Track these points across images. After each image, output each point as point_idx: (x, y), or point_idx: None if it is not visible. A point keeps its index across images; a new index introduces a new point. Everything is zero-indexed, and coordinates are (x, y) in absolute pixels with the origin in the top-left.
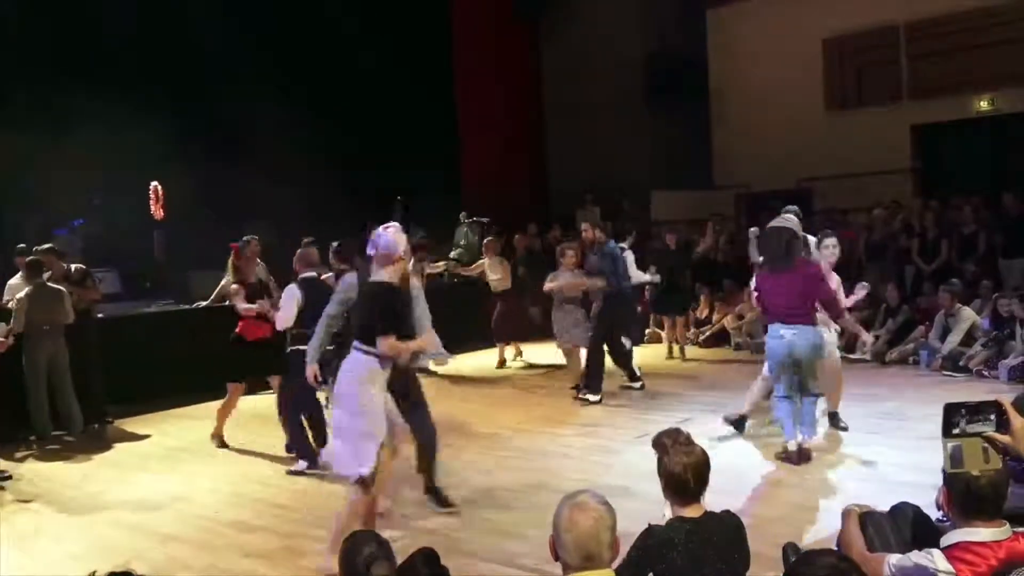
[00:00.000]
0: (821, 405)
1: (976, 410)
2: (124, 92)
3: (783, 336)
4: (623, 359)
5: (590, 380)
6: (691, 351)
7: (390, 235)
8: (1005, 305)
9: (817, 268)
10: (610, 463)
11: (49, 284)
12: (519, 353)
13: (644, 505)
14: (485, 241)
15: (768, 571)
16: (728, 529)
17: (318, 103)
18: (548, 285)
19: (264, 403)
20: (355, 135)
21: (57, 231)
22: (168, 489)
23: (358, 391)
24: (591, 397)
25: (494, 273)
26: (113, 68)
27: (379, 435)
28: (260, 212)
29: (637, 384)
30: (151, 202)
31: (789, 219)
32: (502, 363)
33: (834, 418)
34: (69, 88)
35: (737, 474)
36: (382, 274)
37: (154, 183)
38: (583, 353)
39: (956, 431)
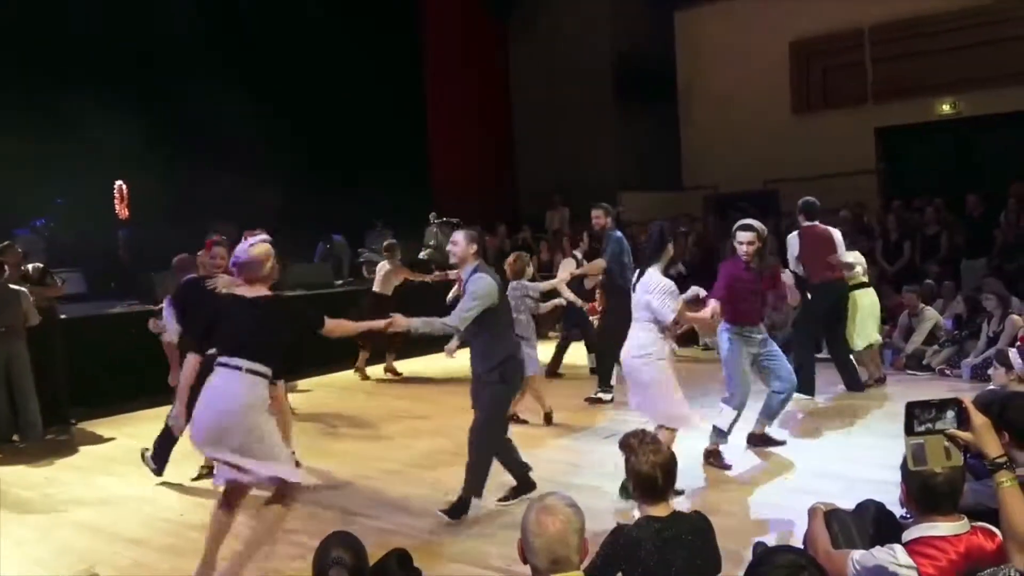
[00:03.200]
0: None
1: (938, 408)
2: (89, 90)
3: None
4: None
5: (604, 378)
6: None
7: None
8: (956, 307)
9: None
10: (579, 463)
11: (8, 285)
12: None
13: (614, 505)
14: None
15: (739, 570)
16: (697, 529)
17: (285, 103)
18: (561, 282)
19: None
20: (322, 135)
21: (18, 231)
22: (132, 492)
23: None
24: (604, 396)
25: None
26: (78, 66)
27: None
28: (225, 212)
29: (607, 397)
30: (116, 202)
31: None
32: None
33: None
34: (33, 86)
35: (706, 474)
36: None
37: (119, 182)
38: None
39: (919, 429)
